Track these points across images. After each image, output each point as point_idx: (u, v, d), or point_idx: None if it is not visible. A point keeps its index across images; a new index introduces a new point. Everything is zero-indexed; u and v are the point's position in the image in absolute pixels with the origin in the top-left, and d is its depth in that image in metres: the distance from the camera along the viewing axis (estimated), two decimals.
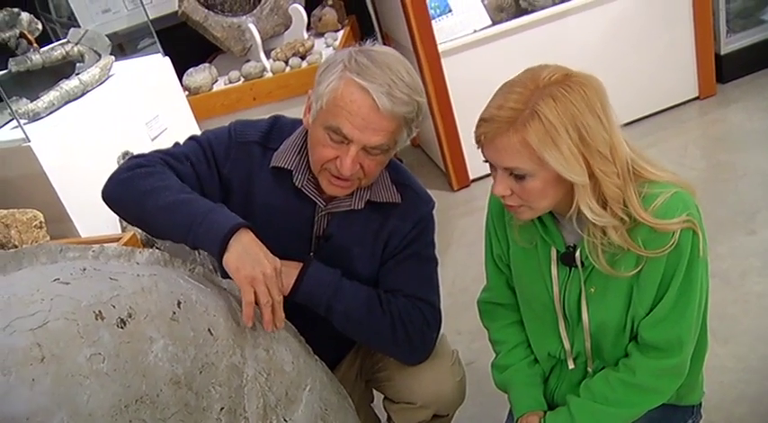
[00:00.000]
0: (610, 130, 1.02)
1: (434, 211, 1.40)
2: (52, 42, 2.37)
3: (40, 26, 2.17)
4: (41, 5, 2.92)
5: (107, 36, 2.34)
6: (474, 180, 3.13)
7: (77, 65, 2.21)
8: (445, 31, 2.89)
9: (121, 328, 0.85)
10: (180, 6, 2.89)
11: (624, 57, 3.02)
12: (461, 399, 1.44)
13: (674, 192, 1.05)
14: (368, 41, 1.25)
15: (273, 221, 1.29)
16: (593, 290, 1.15)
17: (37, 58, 2.12)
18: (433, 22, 2.82)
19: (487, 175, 1.22)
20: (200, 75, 2.91)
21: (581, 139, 1.00)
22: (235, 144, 1.32)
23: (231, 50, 3.02)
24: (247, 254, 1.10)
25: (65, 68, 2.20)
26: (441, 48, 2.85)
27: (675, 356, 1.11)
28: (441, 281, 1.39)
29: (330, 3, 3.25)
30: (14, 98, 2.00)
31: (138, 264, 1.03)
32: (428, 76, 2.84)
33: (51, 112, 1.96)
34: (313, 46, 3.01)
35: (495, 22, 2.94)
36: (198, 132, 1.64)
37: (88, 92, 2.09)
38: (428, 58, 2.83)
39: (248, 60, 2.99)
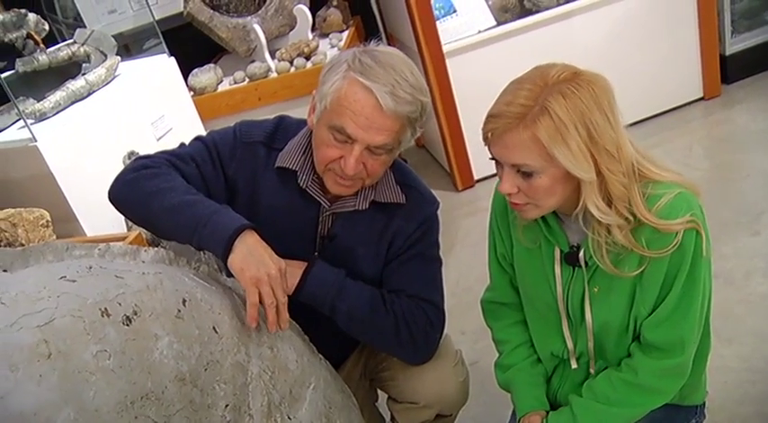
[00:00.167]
0: (617, 129, 1.03)
1: (439, 212, 1.40)
2: (59, 43, 2.38)
3: (46, 27, 2.18)
4: (48, 6, 2.94)
5: (113, 37, 2.36)
6: (478, 180, 3.13)
7: (83, 65, 2.23)
8: (450, 31, 2.89)
9: (127, 325, 0.86)
10: (185, 7, 2.90)
11: (629, 57, 3.01)
12: (465, 399, 1.44)
13: (677, 192, 1.05)
14: (372, 42, 1.25)
15: (278, 221, 1.29)
16: (596, 290, 1.15)
17: (43, 58, 2.14)
18: (437, 22, 2.82)
19: (492, 176, 1.22)
20: (205, 75, 2.92)
21: (589, 136, 1.00)
22: (240, 144, 1.32)
23: (236, 51, 3.03)
24: (252, 255, 1.11)
25: (71, 69, 2.22)
26: (445, 48, 2.84)
27: (678, 356, 1.11)
28: (445, 281, 1.39)
29: (335, 3, 3.26)
30: (21, 98, 2.01)
31: (143, 262, 1.03)
32: (433, 77, 2.84)
33: (58, 113, 1.97)
34: (318, 46, 3.02)
35: (499, 23, 2.94)
36: (203, 132, 1.65)
37: (94, 92, 2.10)
38: (433, 59, 2.83)
39: (253, 61, 3.00)
